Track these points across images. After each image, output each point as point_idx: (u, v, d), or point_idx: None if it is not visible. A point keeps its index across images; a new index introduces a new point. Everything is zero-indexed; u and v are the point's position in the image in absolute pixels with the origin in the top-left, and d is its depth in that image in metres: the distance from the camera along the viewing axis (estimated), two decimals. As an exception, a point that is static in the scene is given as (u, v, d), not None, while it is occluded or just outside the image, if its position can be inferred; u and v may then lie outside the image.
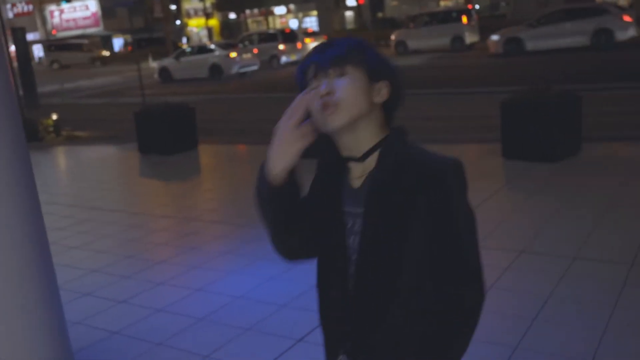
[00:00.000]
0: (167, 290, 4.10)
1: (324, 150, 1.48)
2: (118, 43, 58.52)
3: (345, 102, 1.37)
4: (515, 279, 3.85)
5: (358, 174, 1.44)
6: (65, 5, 57.25)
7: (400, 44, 26.33)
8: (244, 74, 23.89)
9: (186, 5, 59.72)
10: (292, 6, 55.57)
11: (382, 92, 1.41)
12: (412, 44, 25.98)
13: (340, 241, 1.45)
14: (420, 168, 1.38)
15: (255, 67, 24.61)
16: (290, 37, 27.48)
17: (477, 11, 32.10)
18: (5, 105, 2.70)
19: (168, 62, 25.29)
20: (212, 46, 25.10)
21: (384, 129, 1.44)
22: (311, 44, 29.63)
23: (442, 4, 46.81)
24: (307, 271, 4.16)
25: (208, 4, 51.90)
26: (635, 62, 14.57)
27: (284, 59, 26.54)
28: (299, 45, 27.26)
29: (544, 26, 20.33)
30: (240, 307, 3.76)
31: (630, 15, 19.57)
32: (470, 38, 25.17)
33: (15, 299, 2.77)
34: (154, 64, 29.73)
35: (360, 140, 1.41)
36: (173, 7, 53.82)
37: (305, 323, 3.46)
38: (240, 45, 26.36)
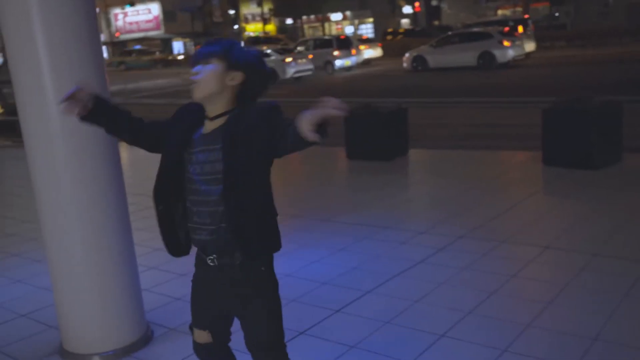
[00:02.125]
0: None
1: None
2: (177, 46, 60.19)
3: (202, 82, 2.06)
4: (538, 270, 4.19)
5: (209, 128, 2.11)
6: (129, 9, 59.25)
7: (418, 59, 24.33)
8: (299, 78, 24.48)
9: (244, 10, 60.98)
10: (348, 13, 56.09)
11: (235, 78, 2.07)
12: (433, 61, 23.90)
13: (180, 163, 2.14)
14: (257, 110, 2.08)
15: (309, 72, 25.17)
16: (345, 43, 27.94)
17: (535, 21, 31.85)
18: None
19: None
20: (269, 51, 25.78)
21: (233, 102, 2.10)
22: (365, 50, 30.09)
23: (499, 12, 46.50)
24: (344, 258, 4.60)
25: (266, 9, 52.92)
26: None
27: (337, 64, 27.03)
28: (353, 51, 27.71)
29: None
30: (287, 283, 4.21)
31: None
32: (526, 47, 24.85)
33: (107, 267, 3.32)
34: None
35: (214, 108, 2.10)
36: (232, 11, 55.07)
37: (343, 297, 3.89)
38: (296, 51, 26.99)
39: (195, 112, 2.16)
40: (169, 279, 4.47)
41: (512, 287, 3.92)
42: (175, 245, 2.22)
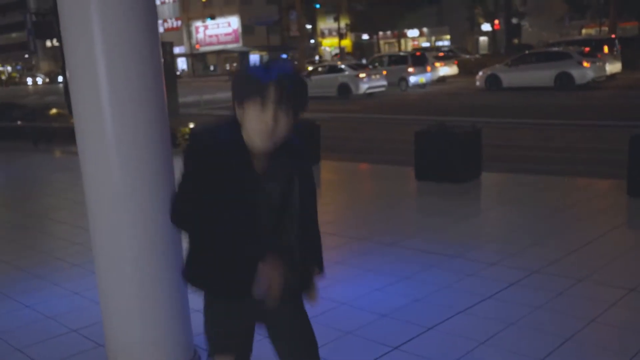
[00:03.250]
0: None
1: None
2: (254, 59, 61.32)
3: (280, 133, 1.87)
4: (621, 316, 3.79)
5: (260, 160, 1.94)
6: (209, 22, 60.92)
7: (492, 78, 23.45)
8: (372, 94, 24.30)
9: (321, 25, 61.56)
10: (425, 29, 55.62)
11: (297, 119, 1.91)
12: (507, 80, 23.02)
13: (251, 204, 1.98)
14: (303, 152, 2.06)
15: (383, 89, 24.96)
16: (420, 60, 27.56)
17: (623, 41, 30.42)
18: (160, 114, 3.14)
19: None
20: (342, 66, 25.75)
21: None
22: (441, 67, 29.58)
23: (584, 32, 44.89)
24: (407, 288, 4.35)
25: (342, 24, 53.16)
26: None
27: (412, 81, 26.68)
28: (428, 68, 27.29)
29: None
30: (343, 312, 4.00)
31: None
32: (611, 68, 23.74)
33: (153, 284, 3.19)
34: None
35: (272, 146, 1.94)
36: (309, 26, 55.64)
37: (403, 332, 3.63)
38: (370, 66, 26.84)
39: (228, 142, 1.93)
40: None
41: (590, 333, 3.55)
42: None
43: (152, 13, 3.15)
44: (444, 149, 7.93)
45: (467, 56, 38.66)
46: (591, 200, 6.75)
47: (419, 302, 4.15)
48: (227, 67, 55.65)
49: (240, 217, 1.95)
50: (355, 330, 3.71)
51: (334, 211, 6.85)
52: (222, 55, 61.20)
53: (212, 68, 64.08)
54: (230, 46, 60.88)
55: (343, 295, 4.27)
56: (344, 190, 8.30)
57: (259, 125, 1.84)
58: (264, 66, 1.85)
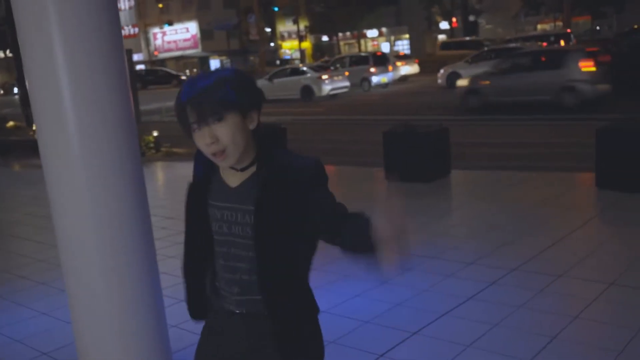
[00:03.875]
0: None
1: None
2: (215, 64, 60.87)
3: (230, 147, 1.63)
4: (604, 311, 3.78)
5: (236, 179, 1.73)
6: (167, 28, 60.24)
7: (453, 76, 22.63)
8: (335, 95, 24.28)
9: (280, 28, 61.42)
10: (384, 29, 55.96)
11: (253, 119, 1.69)
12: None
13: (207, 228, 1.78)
14: (296, 170, 1.69)
15: (346, 90, 24.97)
16: (381, 60, 27.67)
17: (577, 36, 31.11)
18: (128, 123, 3.00)
19: (261, 83, 26.07)
20: (304, 68, 25.68)
21: (253, 144, 1.71)
22: (402, 67, 29.76)
23: (539, 27, 45.76)
24: (386, 293, 4.27)
25: (302, 26, 53.11)
26: None
27: (374, 81, 26.76)
28: (390, 68, 27.42)
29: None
30: (325, 321, 3.89)
31: None
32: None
33: (125, 301, 3.04)
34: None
35: (244, 159, 1.70)
36: (268, 29, 55.47)
37: (387, 339, 3.55)
38: (332, 68, 26.83)
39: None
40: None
41: (576, 330, 3.52)
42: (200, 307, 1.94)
43: (114, 17, 3.01)
44: (410, 149, 7.90)
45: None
46: (562, 195, 6.80)
47: (400, 306, 4.07)
48: (187, 72, 55.05)
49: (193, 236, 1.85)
50: (338, 339, 3.62)
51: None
52: (181, 61, 60.53)
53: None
54: (189, 52, 60.26)
55: (322, 303, 4.15)
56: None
57: (204, 149, 1.67)
58: (185, 84, 1.68)
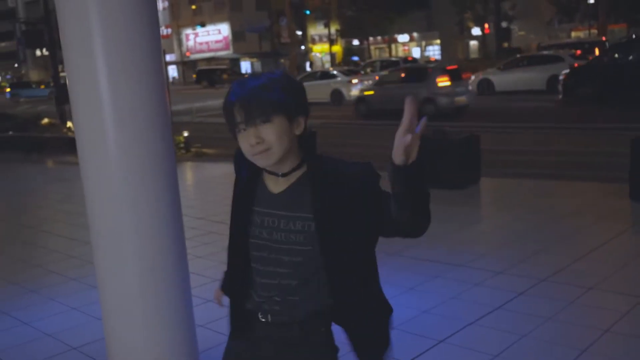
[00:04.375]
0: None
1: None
2: (245, 66, 61.28)
3: (273, 148, 1.63)
4: (635, 325, 3.72)
5: (280, 185, 1.73)
6: (199, 29, 60.80)
7: (484, 82, 23.44)
8: (364, 99, 24.25)
9: (312, 31, 61.56)
10: (415, 34, 55.73)
11: (300, 125, 1.68)
12: (499, 84, 22.88)
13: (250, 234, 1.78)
14: (352, 171, 1.70)
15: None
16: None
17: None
18: (164, 122, 3.05)
19: (292, 85, 26.17)
20: (334, 72, 25.71)
21: (298, 150, 1.71)
22: (433, 72, 29.59)
23: (573, 34, 45.11)
24: (413, 300, 4.24)
25: (333, 30, 53.19)
26: None
27: (404, 86, 26.63)
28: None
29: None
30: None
31: None
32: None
33: (158, 300, 3.08)
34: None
35: (284, 165, 1.69)
36: (299, 32, 55.67)
37: (415, 346, 3.54)
38: (362, 72, 26.82)
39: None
40: (227, 314, 4.21)
41: (606, 344, 3.47)
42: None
43: (154, 19, 3.06)
44: (441, 155, 7.86)
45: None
46: (594, 205, 6.69)
47: (426, 313, 4.06)
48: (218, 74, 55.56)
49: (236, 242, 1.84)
50: (364, 345, 3.62)
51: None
52: (212, 62, 61.08)
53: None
54: (220, 53, 60.77)
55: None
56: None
57: (247, 151, 1.66)
58: (234, 84, 1.69)
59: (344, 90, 24.09)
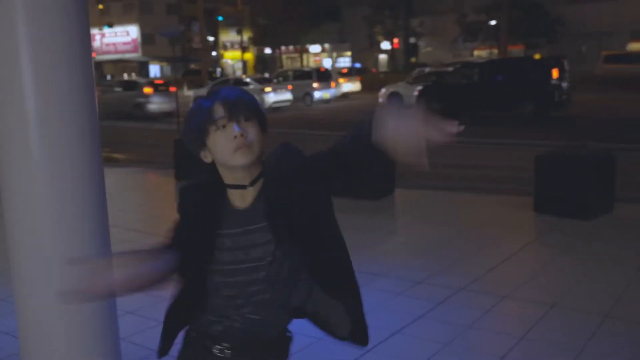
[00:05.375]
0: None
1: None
2: (154, 69, 59.88)
3: (255, 143, 1.66)
4: (548, 332, 3.92)
5: (245, 200, 1.71)
6: (107, 30, 58.80)
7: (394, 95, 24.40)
8: (278, 108, 24.32)
9: (223, 38, 61.09)
10: (327, 45, 56.53)
11: (265, 137, 1.71)
12: (407, 97, 23.37)
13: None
14: (275, 165, 1.71)
15: (288, 103, 25.06)
16: (324, 75, 27.93)
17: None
18: (91, 125, 2.93)
19: (203, 92, 25.86)
20: (247, 79, 25.63)
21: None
22: (345, 83, 30.10)
23: (476, 53, 47.24)
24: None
25: (245, 37, 52.99)
26: None
27: (316, 96, 26.95)
28: (332, 84, 27.69)
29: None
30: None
31: None
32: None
33: (81, 311, 2.94)
34: (189, 93, 30.38)
35: (249, 173, 1.69)
36: (211, 38, 55.07)
37: (341, 356, 3.56)
38: (275, 81, 26.88)
39: (205, 186, 1.76)
40: (150, 326, 4.09)
41: (523, 351, 3.64)
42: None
43: (83, 17, 2.92)
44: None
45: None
46: (502, 218, 7.01)
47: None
48: (125, 76, 53.87)
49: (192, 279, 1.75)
50: (294, 354, 3.60)
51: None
52: (119, 64, 59.23)
53: (108, 77, 61.86)
54: (129, 55, 59.05)
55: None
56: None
57: (226, 145, 1.64)
58: (205, 96, 1.72)
59: (257, 98, 24.02)
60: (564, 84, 18.38)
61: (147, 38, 58.33)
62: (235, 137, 1.62)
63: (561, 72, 18.31)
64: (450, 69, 25.51)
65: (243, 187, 1.70)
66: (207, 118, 1.65)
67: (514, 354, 3.58)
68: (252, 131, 1.66)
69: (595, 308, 4.19)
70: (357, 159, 1.59)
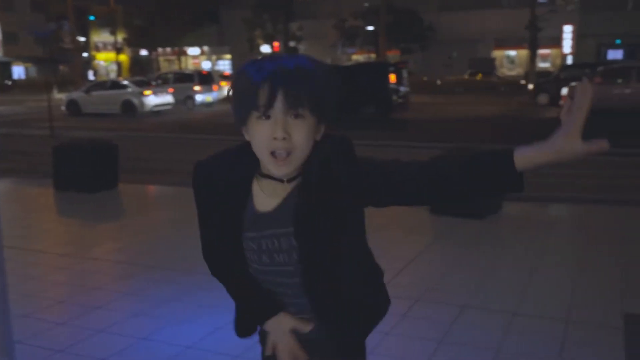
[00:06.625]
0: (109, 339, 3.89)
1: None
2: (18, 71, 56.18)
3: (299, 151, 1.36)
4: (465, 334, 3.96)
5: (274, 199, 1.46)
6: (-37, 28, 54.36)
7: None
8: (158, 112, 23.54)
9: (95, 38, 58.37)
10: (206, 48, 55.61)
11: (320, 132, 1.42)
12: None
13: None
14: (321, 162, 1.43)
15: (169, 107, 24.34)
16: (206, 79, 27.41)
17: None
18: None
19: (77, 95, 24.54)
20: (125, 82, 24.60)
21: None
22: (227, 87, 29.69)
23: (354, 58, 48.42)
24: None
25: (119, 38, 50.89)
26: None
27: (198, 99, 26.39)
28: (214, 87, 27.23)
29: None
30: (192, 357, 3.63)
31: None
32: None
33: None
34: (60, 96, 28.68)
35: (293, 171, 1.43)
36: (82, 38, 52.40)
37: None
38: (154, 83, 26.00)
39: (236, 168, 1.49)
40: (49, 327, 3.69)
41: (444, 355, 3.64)
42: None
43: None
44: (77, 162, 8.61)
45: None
46: (398, 220, 7.10)
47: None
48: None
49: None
50: (211, 377, 3.37)
51: (148, 241, 6.34)
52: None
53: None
54: (-13, 55, 54.83)
55: (185, 338, 3.89)
56: (149, 216, 7.76)
57: (264, 144, 1.35)
58: (259, 62, 1.36)
59: (135, 102, 23.11)
60: (402, 88, 20.04)
61: (9, 37, 54.54)
62: (275, 138, 1.33)
63: (399, 77, 19.86)
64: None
65: (281, 180, 1.44)
66: (250, 99, 1.34)
67: (437, 358, 3.57)
68: (300, 133, 1.34)
69: (500, 305, 4.30)
70: (478, 182, 1.38)
